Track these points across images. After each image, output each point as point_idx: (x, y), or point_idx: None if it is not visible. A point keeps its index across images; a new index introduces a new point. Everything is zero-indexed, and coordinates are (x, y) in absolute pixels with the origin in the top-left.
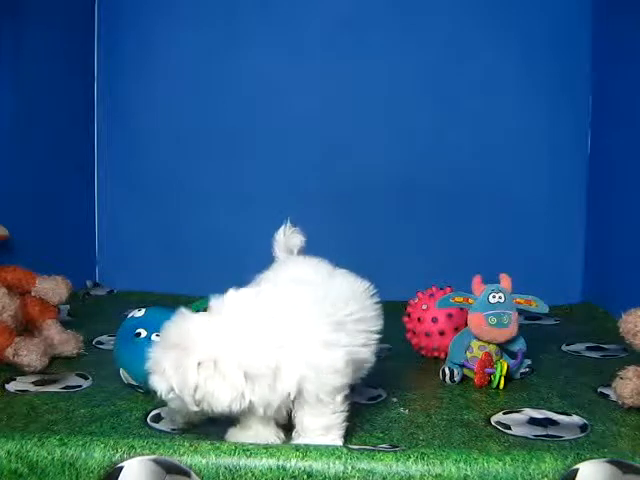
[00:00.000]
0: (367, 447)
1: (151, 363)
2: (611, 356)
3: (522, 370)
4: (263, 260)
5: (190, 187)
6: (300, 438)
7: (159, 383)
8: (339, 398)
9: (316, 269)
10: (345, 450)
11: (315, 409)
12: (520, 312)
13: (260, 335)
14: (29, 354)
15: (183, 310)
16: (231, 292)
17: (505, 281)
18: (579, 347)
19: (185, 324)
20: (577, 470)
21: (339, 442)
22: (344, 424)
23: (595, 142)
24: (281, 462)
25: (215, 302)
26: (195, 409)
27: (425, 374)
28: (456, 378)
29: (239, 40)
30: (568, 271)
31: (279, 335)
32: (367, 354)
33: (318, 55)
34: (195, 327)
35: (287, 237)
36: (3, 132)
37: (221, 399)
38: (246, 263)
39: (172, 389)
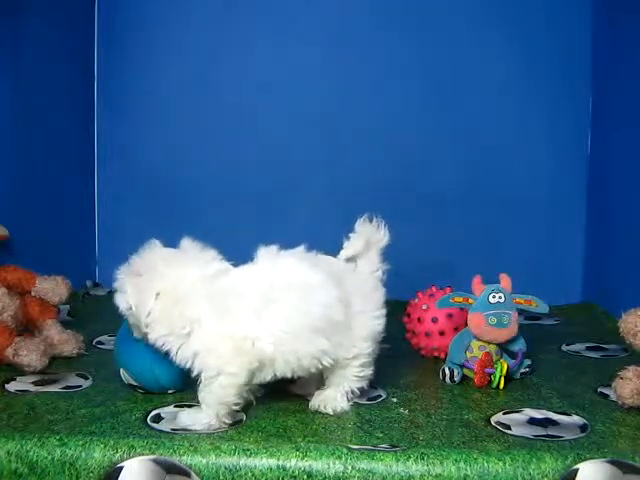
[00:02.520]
0: (367, 447)
1: (117, 283)
2: (611, 356)
3: (522, 370)
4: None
5: (190, 187)
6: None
7: (121, 300)
8: (217, 380)
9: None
10: (345, 450)
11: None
12: (520, 312)
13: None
14: (29, 354)
15: (155, 241)
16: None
17: (505, 281)
18: (579, 347)
19: (154, 256)
20: (577, 470)
21: (207, 420)
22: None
23: (595, 142)
24: (281, 462)
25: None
26: (145, 330)
27: (425, 374)
28: (456, 378)
29: (239, 39)
30: (568, 271)
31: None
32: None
33: (318, 55)
34: (162, 260)
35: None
36: (3, 132)
37: (161, 330)
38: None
39: (130, 308)
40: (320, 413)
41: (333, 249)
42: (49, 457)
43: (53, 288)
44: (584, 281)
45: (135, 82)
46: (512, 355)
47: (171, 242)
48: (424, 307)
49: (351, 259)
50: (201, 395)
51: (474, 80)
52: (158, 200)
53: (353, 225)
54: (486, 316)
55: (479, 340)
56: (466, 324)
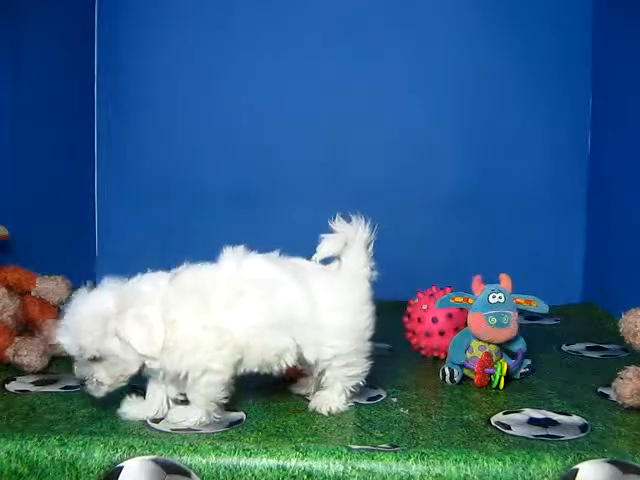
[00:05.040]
0: (367, 447)
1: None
2: (611, 356)
3: (522, 370)
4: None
5: (191, 187)
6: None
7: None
8: (203, 379)
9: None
10: (345, 450)
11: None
12: (520, 312)
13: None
14: (29, 354)
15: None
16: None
17: (505, 281)
18: (579, 347)
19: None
20: (577, 470)
21: (197, 417)
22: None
23: (595, 142)
24: (281, 462)
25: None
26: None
27: (425, 374)
28: (456, 378)
29: (240, 39)
30: (568, 271)
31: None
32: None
33: (318, 55)
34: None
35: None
36: (3, 132)
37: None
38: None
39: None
40: (320, 413)
41: None
42: (49, 457)
43: (53, 288)
44: (584, 281)
45: (135, 82)
46: (512, 355)
47: (171, 242)
48: (424, 307)
49: (335, 258)
50: (191, 396)
51: (474, 80)
52: (157, 201)
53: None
54: (486, 316)
55: (479, 340)
56: (466, 324)
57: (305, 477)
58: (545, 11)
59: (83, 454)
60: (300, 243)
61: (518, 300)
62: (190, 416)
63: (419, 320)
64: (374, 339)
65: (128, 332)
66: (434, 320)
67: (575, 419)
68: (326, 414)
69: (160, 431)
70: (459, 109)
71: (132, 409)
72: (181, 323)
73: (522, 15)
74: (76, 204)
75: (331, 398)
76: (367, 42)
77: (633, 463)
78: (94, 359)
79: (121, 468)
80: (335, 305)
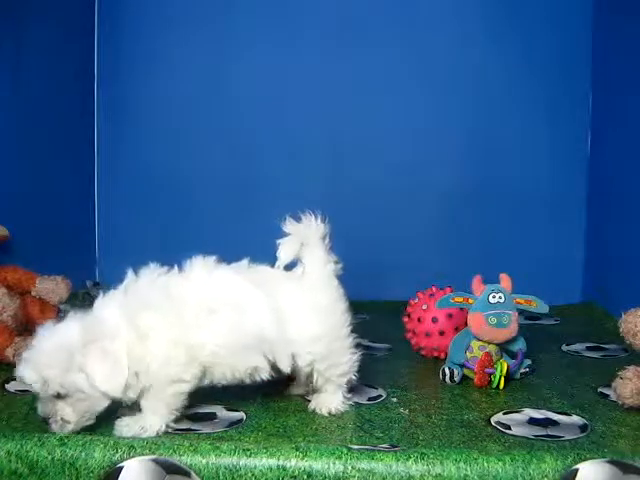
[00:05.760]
0: (367, 447)
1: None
2: (611, 356)
3: (522, 370)
4: (264, 262)
5: (191, 187)
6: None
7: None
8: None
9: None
10: (345, 450)
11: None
12: (520, 312)
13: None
14: None
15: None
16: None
17: (505, 281)
18: (579, 347)
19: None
20: (577, 470)
21: (158, 427)
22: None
23: (595, 142)
24: (281, 462)
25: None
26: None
27: (425, 374)
28: (456, 378)
29: (240, 38)
30: (568, 271)
31: None
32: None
33: (318, 55)
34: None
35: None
36: (3, 132)
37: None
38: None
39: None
40: (320, 414)
41: (334, 249)
42: (49, 457)
43: (53, 288)
44: (584, 281)
45: (135, 82)
46: (512, 355)
47: (170, 242)
48: (424, 307)
49: (296, 261)
50: (150, 403)
51: (474, 81)
52: (157, 201)
53: (354, 226)
54: (486, 316)
55: (479, 340)
56: (466, 324)
57: (305, 477)
58: (545, 11)
59: (83, 454)
60: None
61: (518, 300)
62: (148, 426)
63: (419, 320)
64: (373, 339)
65: (91, 367)
66: (434, 320)
67: (575, 419)
68: (326, 414)
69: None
70: (459, 109)
71: (134, 429)
72: (151, 336)
73: (522, 15)
74: (76, 204)
75: (329, 399)
76: (367, 42)
77: (633, 463)
78: (58, 395)
79: (121, 468)
80: (305, 313)
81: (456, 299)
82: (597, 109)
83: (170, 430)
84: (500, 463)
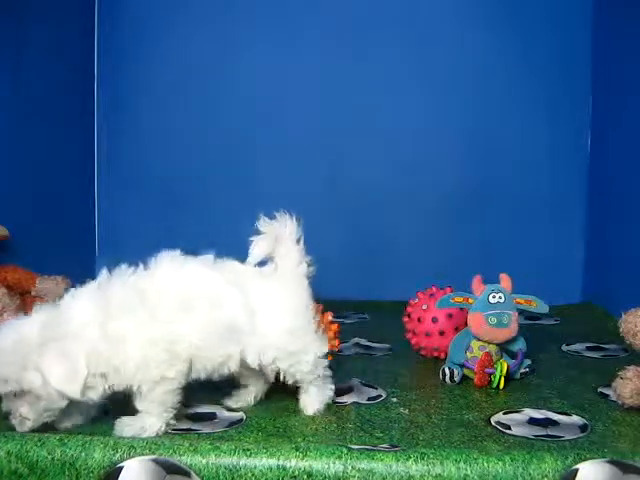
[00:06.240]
0: (367, 447)
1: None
2: (611, 356)
3: (522, 370)
4: (264, 262)
5: (190, 187)
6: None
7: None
8: (159, 389)
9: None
10: (345, 450)
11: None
12: (520, 312)
13: None
14: None
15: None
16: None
17: (505, 281)
18: (579, 347)
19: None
20: (577, 470)
21: (157, 427)
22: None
23: (595, 142)
24: (281, 462)
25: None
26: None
27: (425, 374)
28: (456, 378)
29: (240, 38)
30: (568, 271)
31: None
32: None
33: (318, 55)
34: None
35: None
36: (3, 132)
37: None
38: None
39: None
40: (320, 413)
41: (334, 249)
42: (49, 457)
43: (53, 288)
44: (584, 281)
45: (135, 82)
46: (512, 355)
47: (171, 242)
48: (424, 307)
49: (270, 259)
50: (144, 405)
51: (474, 81)
52: (158, 201)
53: (354, 226)
54: (486, 316)
55: (479, 340)
56: (466, 324)
57: (305, 477)
58: (545, 11)
59: (83, 454)
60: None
61: (518, 300)
62: (148, 427)
63: (419, 320)
64: (373, 340)
65: (47, 367)
66: (434, 320)
67: (575, 419)
68: (312, 414)
69: None
70: (459, 110)
71: (135, 429)
72: (127, 338)
73: (522, 15)
74: (76, 204)
75: (307, 400)
76: (367, 42)
77: (633, 463)
78: (16, 393)
79: (121, 468)
80: (273, 311)
81: (456, 299)
82: (597, 109)
83: (170, 430)
84: (500, 463)
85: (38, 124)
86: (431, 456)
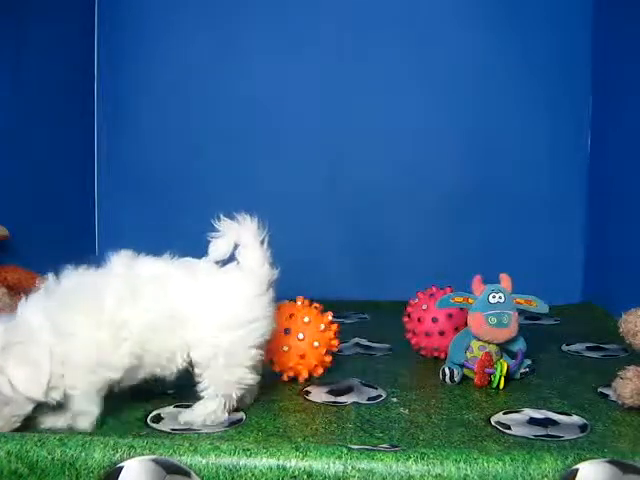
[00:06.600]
0: (367, 447)
1: None
2: (611, 356)
3: (522, 370)
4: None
5: (190, 187)
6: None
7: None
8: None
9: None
10: (345, 450)
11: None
12: (520, 312)
13: None
14: None
15: None
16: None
17: (505, 281)
18: (579, 347)
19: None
20: (577, 470)
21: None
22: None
23: (595, 142)
24: (281, 462)
25: None
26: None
27: (425, 374)
28: (456, 378)
29: (240, 38)
30: (568, 271)
31: None
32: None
33: (318, 55)
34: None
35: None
36: (3, 132)
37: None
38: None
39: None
40: (320, 413)
41: (334, 249)
42: (49, 457)
43: None
44: (584, 281)
45: (135, 82)
46: (512, 355)
47: (171, 242)
48: (424, 307)
49: (231, 259)
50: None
51: (474, 81)
52: (158, 201)
53: (354, 226)
54: (486, 316)
55: (479, 340)
56: (466, 324)
57: (305, 477)
58: (545, 11)
59: (83, 454)
60: (299, 243)
61: (518, 300)
62: (86, 418)
63: (419, 320)
64: (373, 340)
65: (11, 371)
66: (434, 320)
67: (575, 419)
68: (201, 423)
69: (160, 431)
70: (459, 109)
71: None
72: (76, 334)
73: (522, 15)
74: (76, 204)
75: (208, 406)
76: (367, 42)
77: (633, 463)
78: None
79: (121, 468)
80: (220, 301)
81: (456, 299)
82: (597, 109)
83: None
84: (500, 463)
85: (38, 124)
86: (431, 456)
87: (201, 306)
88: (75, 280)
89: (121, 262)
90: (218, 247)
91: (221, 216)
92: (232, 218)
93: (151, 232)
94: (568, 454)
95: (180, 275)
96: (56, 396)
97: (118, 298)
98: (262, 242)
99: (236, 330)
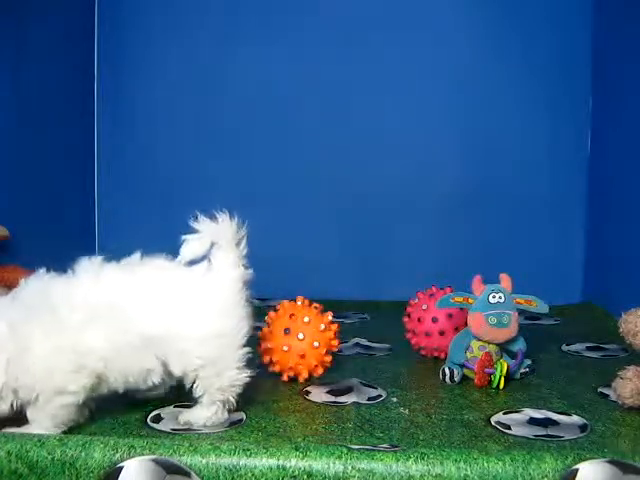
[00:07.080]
0: (367, 447)
1: None
2: (611, 356)
3: (522, 370)
4: (263, 262)
5: (190, 187)
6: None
7: None
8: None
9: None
10: (345, 450)
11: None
12: (520, 312)
13: None
14: None
15: None
16: None
17: (505, 281)
18: (579, 347)
19: None
20: (577, 470)
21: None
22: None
23: (595, 142)
24: (281, 462)
25: None
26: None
27: (425, 374)
28: (456, 378)
29: (240, 39)
30: (568, 271)
31: None
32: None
33: (317, 56)
34: None
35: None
36: (3, 132)
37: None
38: (247, 263)
39: None
40: (320, 413)
41: (334, 249)
42: (49, 457)
43: None
44: (584, 281)
45: (135, 82)
46: (512, 355)
47: (171, 242)
48: (424, 307)
49: (205, 259)
50: (35, 415)
51: (474, 81)
52: (158, 201)
53: (354, 225)
54: (486, 316)
55: (479, 340)
56: (466, 324)
57: (305, 477)
58: (545, 11)
59: (83, 454)
60: (299, 243)
61: (518, 300)
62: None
63: (419, 320)
64: (373, 339)
65: None
66: (434, 320)
67: (575, 419)
68: (201, 425)
69: (160, 431)
70: (459, 110)
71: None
72: (33, 346)
73: (522, 15)
74: (76, 203)
75: (202, 413)
76: (367, 42)
77: (633, 463)
78: None
79: (121, 468)
80: (197, 311)
81: (456, 299)
82: (597, 109)
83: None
84: (500, 463)
85: (38, 124)
86: (431, 456)
87: (176, 321)
88: (38, 288)
89: (87, 271)
90: (192, 248)
91: (198, 215)
92: (211, 217)
93: (151, 232)
94: (568, 454)
95: (148, 290)
96: (4, 407)
97: (80, 323)
98: (238, 243)
99: (219, 339)
